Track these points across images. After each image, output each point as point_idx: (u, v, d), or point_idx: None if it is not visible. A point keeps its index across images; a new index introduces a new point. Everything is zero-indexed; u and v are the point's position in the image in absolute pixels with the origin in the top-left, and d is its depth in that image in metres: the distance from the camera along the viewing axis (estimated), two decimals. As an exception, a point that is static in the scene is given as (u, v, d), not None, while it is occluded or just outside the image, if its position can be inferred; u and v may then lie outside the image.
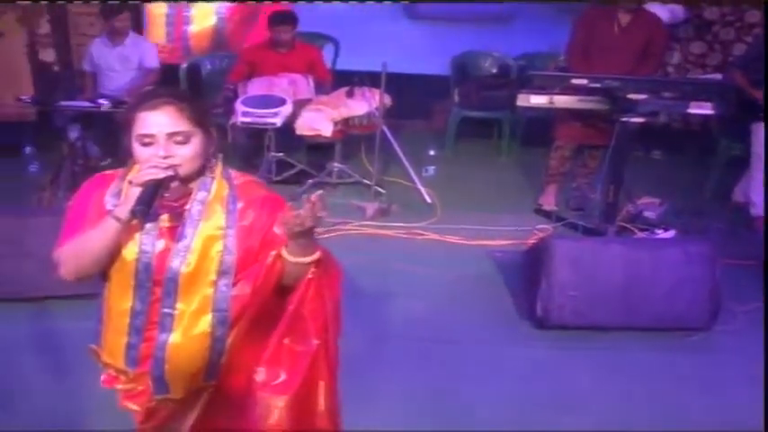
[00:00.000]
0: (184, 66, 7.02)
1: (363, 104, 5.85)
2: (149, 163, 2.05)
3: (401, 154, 6.10)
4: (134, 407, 2.35)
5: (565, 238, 4.53)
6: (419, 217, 5.61)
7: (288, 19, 6.36)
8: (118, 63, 6.39)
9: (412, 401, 3.59)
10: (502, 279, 4.80)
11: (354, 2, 7.23)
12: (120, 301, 2.19)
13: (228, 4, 7.66)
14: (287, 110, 5.72)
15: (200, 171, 2.16)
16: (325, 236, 5.14)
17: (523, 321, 4.34)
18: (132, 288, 2.16)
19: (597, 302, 4.18)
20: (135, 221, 2.08)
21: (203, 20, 7.77)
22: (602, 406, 3.65)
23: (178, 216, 2.17)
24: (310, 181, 6.05)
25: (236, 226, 2.16)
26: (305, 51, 6.43)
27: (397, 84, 6.03)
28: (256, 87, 6.06)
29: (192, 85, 6.96)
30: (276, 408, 2.27)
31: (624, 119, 4.93)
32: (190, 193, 2.17)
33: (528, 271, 4.50)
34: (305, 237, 2.06)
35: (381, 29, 7.40)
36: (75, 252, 2.15)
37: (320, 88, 6.25)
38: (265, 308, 2.24)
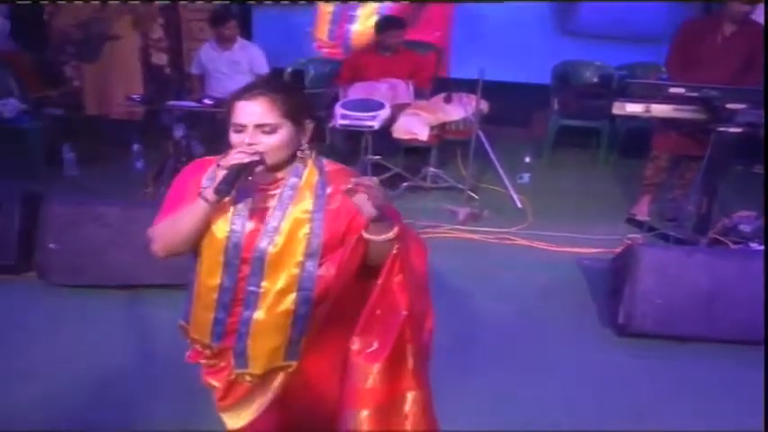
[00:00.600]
0: (289, 70, 7.23)
1: (460, 110, 5.92)
2: (237, 148, 2.22)
3: (495, 160, 6.15)
4: (215, 383, 2.51)
5: (651, 246, 4.48)
6: (510, 223, 5.66)
7: (396, 24, 6.50)
8: (226, 67, 6.65)
9: (488, 399, 3.66)
10: (587, 286, 4.80)
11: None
12: (209, 277, 2.34)
13: (390, 4, 7.79)
14: (385, 113, 5.83)
15: (290, 159, 2.32)
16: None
17: (605, 328, 4.34)
18: (221, 265, 2.32)
19: (680, 312, 4.14)
20: (227, 202, 2.26)
21: (366, 19, 7.87)
22: (675, 416, 3.63)
23: (269, 199, 2.32)
24: (405, 184, 6.17)
25: (323, 210, 2.29)
26: (409, 57, 6.55)
27: (497, 92, 6.12)
28: (357, 91, 6.21)
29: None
30: (371, 373, 2.38)
31: (721, 129, 4.86)
32: (282, 179, 2.32)
33: (614, 278, 4.49)
34: (381, 218, 2.19)
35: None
36: (167, 229, 2.34)
37: (421, 94, 6.37)
38: (348, 293, 2.38)
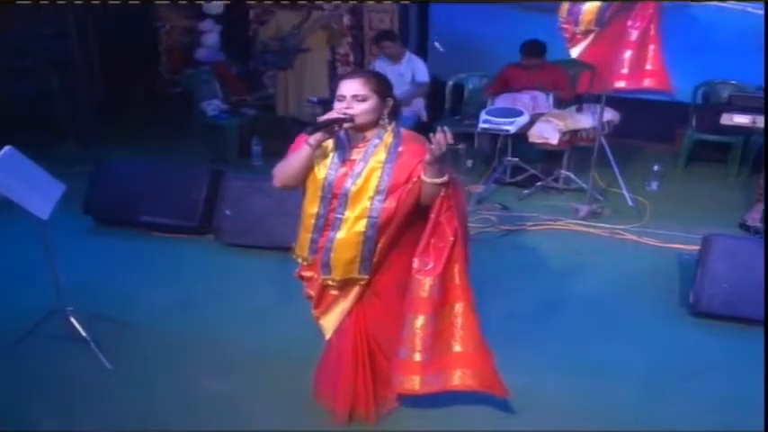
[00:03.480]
0: (450, 83, 8.07)
1: (590, 119, 6.51)
2: (336, 110, 3.21)
3: (615, 166, 6.68)
4: (311, 293, 3.53)
5: (723, 236, 4.87)
6: (627, 222, 6.20)
7: (536, 49, 7.19)
8: (393, 78, 7.50)
9: (563, 356, 4.35)
10: (680, 275, 5.24)
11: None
12: (310, 207, 3.35)
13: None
14: (522, 120, 6.54)
15: (374, 124, 3.29)
16: (536, 228, 5.99)
17: (681, 308, 4.85)
18: (319, 198, 3.32)
19: (746, 296, 4.57)
20: (328, 154, 3.29)
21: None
22: (724, 380, 4.12)
23: (357, 153, 3.30)
24: (538, 184, 6.85)
25: (393, 162, 3.23)
26: (552, 71, 7.23)
27: (638, 107, 6.67)
28: (502, 101, 6.99)
29: (455, 99, 8.03)
30: (427, 284, 3.30)
31: None
32: (368, 139, 3.29)
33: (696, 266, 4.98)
34: (439, 163, 3.07)
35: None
36: (283, 167, 3.37)
37: (561, 105, 7.04)
38: (407, 226, 3.31)
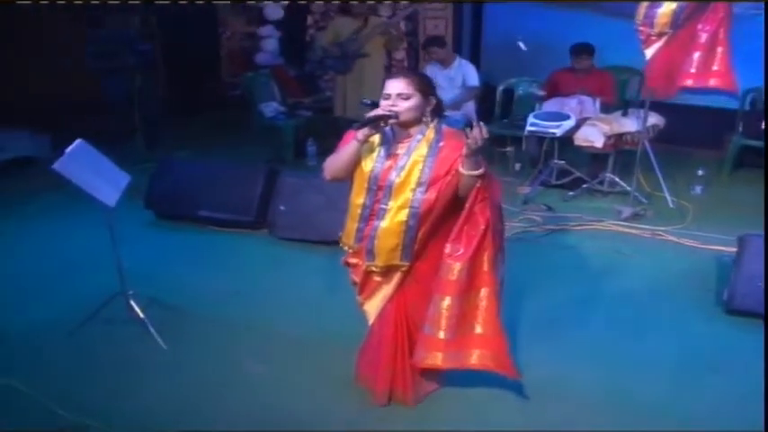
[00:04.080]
0: (500, 88, 8.26)
1: (634, 123, 6.65)
2: (382, 107, 3.46)
3: (658, 169, 6.80)
4: (356, 279, 3.79)
5: (760, 236, 4.92)
6: (668, 224, 6.32)
7: (583, 50, 7.37)
8: (445, 82, 7.81)
9: (597, 347, 4.52)
10: (717, 275, 5.33)
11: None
12: (357, 198, 3.63)
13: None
14: (568, 124, 6.71)
15: (417, 121, 3.55)
16: (579, 228, 6.16)
17: (717, 307, 4.96)
18: (365, 190, 3.60)
19: None
20: (375, 149, 3.56)
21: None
22: (751, 374, 4.20)
23: (402, 148, 3.56)
24: (583, 186, 7.01)
25: (434, 157, 3.49)
26: (599, 76, 7.39)
27: (686, 113, 6.87)
28: (550, 105, 7.17)
29: (505, 103, 8.21)
30: (456, 269, 3.54)
31: None
32: (412, 135, 3.56)
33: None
34: (475, 156, 3.32)
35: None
36: (333, 161, 3.65)
37: (608, 110, 7.19)
38: (445, 216, 3.55)
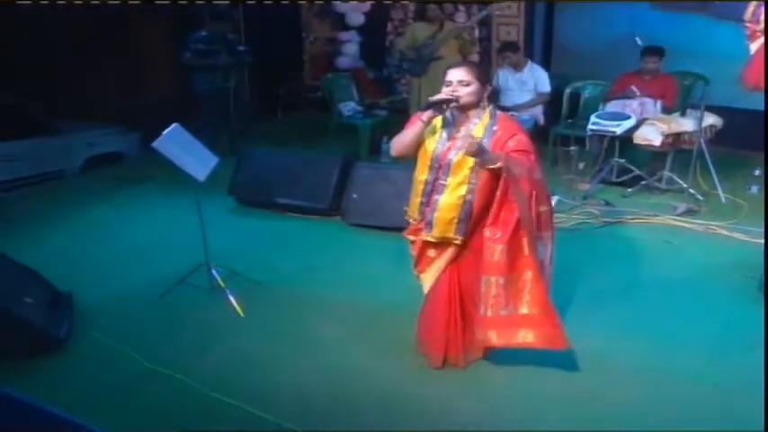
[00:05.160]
0: (568, 91, 8.60)
1: (692, 123, 6.93)
2: (444, 93, 3.90)
3: (711, 166, 7.11)
4: (413, 252, 4.24)
5: None
6: (722, 219, 6.59)
7: (655, 51, 7.68)
8: (515, 85, 8.22)
9: (640, 327, 4.84)
10: (764, 265, 5.48)
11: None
12: (420, 174, 4.09)
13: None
14: (629, 124, 7.03)
15: (475, 106, 3.98)
16: (635, 222, 6.49)
17: (759, 293, 5.18)
18: (428, 168, 4.04)
19: None
20: (437, 132, 4.00)
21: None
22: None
23: (461, 131, 3.98)
24: (642, 183, 7.32)
25: (488, 138, 3.91)
26: (663, 80, 7.68)
27: (746, 117, 7.31)
28: (612, 106, 7.49)
29: (572, 106, 8.56)
30: (496, 251, 3.95)
31: None
32: (469, 119, 3.99)
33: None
34: (478, 157, 3.80)
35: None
36: (400, 140, 4.12)
37: (669, 112, 7.47)
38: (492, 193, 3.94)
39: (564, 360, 4.30)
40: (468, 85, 3.91)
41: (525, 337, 4.06)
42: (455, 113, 4.03)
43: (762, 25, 8.04)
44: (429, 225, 4.07)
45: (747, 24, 7.84)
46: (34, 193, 7.66)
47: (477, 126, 3.95)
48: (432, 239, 4.10)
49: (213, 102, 8.44)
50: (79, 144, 8.46)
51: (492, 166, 3.81)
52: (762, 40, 8.08)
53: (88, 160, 8.52)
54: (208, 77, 8.39)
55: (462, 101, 3.92)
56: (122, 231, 6.62)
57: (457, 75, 3.94)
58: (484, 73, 4.07)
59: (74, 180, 8.20)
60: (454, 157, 3.93)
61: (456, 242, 4.08)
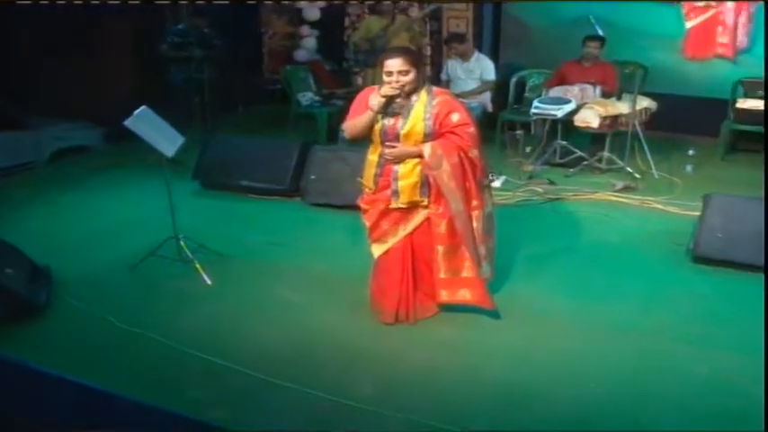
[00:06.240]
0: (514, 79, 9.08)
1: (628, 106, 7.42)
2: (389, 86, 4.33)
3: (645, 146, 7.64)
4: (367, 221, 4.68)
5: (721, 194, 5.74)
6: (657, 195, 7.08)
7: (596, 38, 8.19)
8: (463, 74, 8.65)
9: (578, 286, 5.32)
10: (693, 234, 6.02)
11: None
12: (374, 151, 4.53)
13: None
14: (569, 107, 7.49)
15: (416, 89, 4.37)
16: (576, 198, 6.95)
17: (685, 257, 5.70)
18: (380, 143, 4.47)
19: (737, 244, 5.40)
20: (381, 112, 4.39)
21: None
22: (706, 305, 5.04)
23: (404, 108, 4.40)
24: (584, 163, 7.80)
25: (430, 113, 4.35)
26: (603, 68, 8.17)
27: (684, 103, 7.92)
28: (554, 92, 7.96)
29: (518, 92, 9.03)
30: (442, 224, 4.50)
31: None
32: (410, 99, 4.40)
33: (699, 221, 5.80)
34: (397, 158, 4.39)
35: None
36: (352, 124, 4.55)
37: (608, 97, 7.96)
38: None
39: (505, 315, 4.78)
40: (407, 73, 4.33)
41: (465, 295, 4.63)
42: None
43: (699, 3, 8.78)
44: (396, 194, 4.51)
45: (684, 4, 8.63)
46: (7, 183, 7.93)
47: (418, 104, 4.39)
48: (402, 206, 4.53)
49: (187, 91, 8.83)
50: (47, 138, 8.76)
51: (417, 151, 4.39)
52: (699, 18, 8.80)
53: (55, 153, 8.82)
54: (182, 68, 8.80)
55: (406, 89, 4.35)
56: (95, 213, 6.94)
57: (396, 65, 4.33)
58: (417, 57, 4.58)
59: (45, 170, 8.49)
60: (401, 130, 4.38)
61: (424, 204, 4.52)
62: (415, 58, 4.46)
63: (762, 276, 5.14)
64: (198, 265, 5.43)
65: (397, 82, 4.32)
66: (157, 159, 5.54)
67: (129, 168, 7.96)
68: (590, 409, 3.93)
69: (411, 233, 4.62)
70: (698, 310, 4.95)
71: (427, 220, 4.55)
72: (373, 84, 8.90)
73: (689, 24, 8.95)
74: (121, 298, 5.19)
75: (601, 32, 8.46)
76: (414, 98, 4.40)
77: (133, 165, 7.91)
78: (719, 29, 8.87)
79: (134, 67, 9.78)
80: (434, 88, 4.51)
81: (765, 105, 5.82)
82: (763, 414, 3.38)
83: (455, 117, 4.35)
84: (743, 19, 8.84)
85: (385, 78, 4.37)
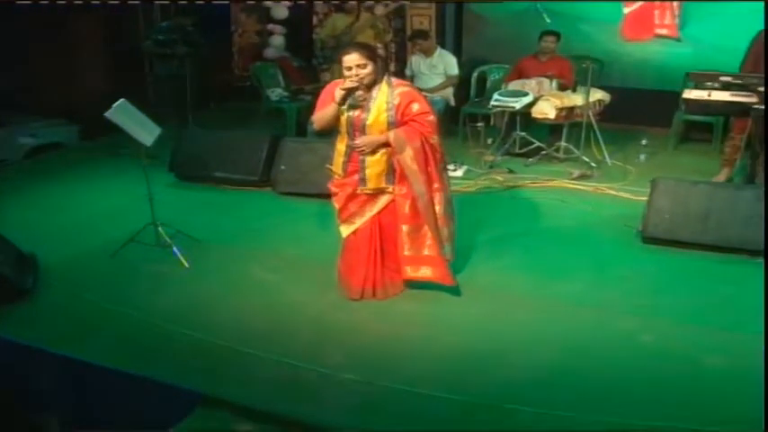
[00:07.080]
0: (475, 74, 9.43)
1: (583, 98, 7.79)
2: (349, 79, 4.63)
3: (599, 136, 8.03)
4: (336, 203, 4.98)
5: (668, 178, 6.10)
6: (611, 182, 7.44)
7: (552, 33, 8.56)
8: (427, 69, 8.97)
9: (534, 264, 5.70)
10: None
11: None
12: (342, 140, 4.84)
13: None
14: (526, 100, 7.83)
15: (376, 81, 4.67)
16: (534, 185, 7.30)
17: (635, 238, 6.06)
18: (346, 133, 4.77)
19: (683, 224, 5.78)
20: (345, 104, 4.70)
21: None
22: (651, 279, 5.45)
23: (366, 101, 4.70)
24: (542, 153, 8.16)
25: (391, 105, 4.67)
26: (559, 62, 8.53)
27: (636, 96, 8.38)
28: (513, 86, 8.32)
29: (480, 87, 9.39)
30: (405, 204, 4.81)
31: (756, 107, 6.27)
32: (371, 91, 4.71)
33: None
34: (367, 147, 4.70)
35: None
36: (320, 117, 4.86)
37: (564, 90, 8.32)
38: None
39: (466, 292, 5.13)
40: (365, 66, 4.64)
41: (425, 273, 4.96)
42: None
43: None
44: (363, 181, 4.84)
45: None
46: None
47: (379, 94, 4.71)
48: (368, 191, 4.86)
49: (168, 86, 9.18)
50: (22, 135, 8.96)
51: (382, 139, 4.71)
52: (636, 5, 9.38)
53: (30, 150, 9.01)
54: (165, 64, 9.15)
55: (365, 81, 4.66)
56: (74, 205, 7.20)
57: (353, 60, 4.64)
58: (373, 51, 4.89)
59: (22, 165, 8.71)
60: (366, 120, 4.71)
61: (389, 191, 4.86)
62: (370, 53, 4.79)
63: (704, 253, 5.66)
64: (176, 249, 5.70)
65: (357, 75, 4.62)
66: (134, 152, 5.83)
67: (105, 162, 8.28)
68: (545, 374, 4.27)
69: (377, 214, 4.94)
70: (645, 285, 5.33)
71: (393, 201, 4.87)
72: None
73: (626, 10, 9.49)
74: (104, 281, 5.48)
75: (548, 20, 9.07)
76: (375, 91, 4.71)
77: (109, 159, 8.23)
78: (656, 12, 9.39)
79: (107, 64, 10.02)
80: (394, 80, 4.84)
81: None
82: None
83: (415, 107, 4.68)
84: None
85: (345, 73, 4.68)
